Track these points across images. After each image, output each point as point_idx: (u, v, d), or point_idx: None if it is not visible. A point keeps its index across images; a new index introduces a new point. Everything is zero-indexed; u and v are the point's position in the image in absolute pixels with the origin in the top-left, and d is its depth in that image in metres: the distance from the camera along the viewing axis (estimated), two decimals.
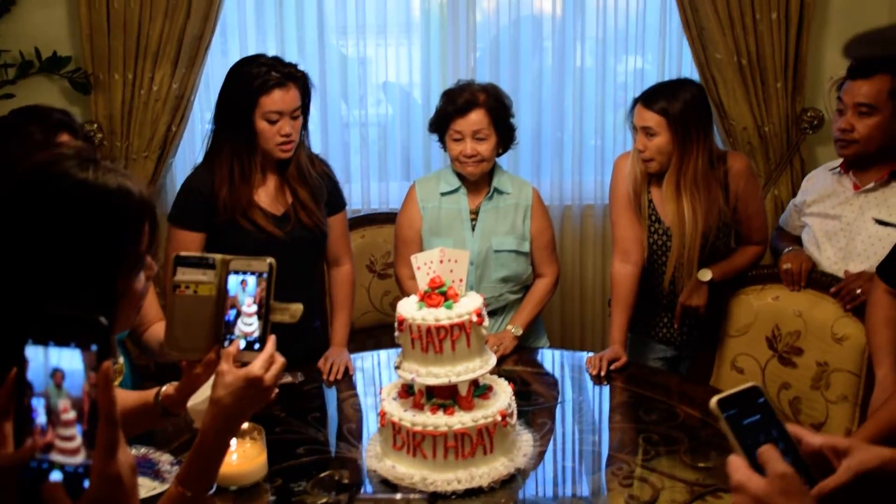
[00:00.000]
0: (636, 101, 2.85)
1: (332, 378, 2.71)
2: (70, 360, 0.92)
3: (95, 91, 3.65)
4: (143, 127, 3.65)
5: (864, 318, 2.46)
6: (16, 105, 3.34)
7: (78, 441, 0.93)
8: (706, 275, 2.84)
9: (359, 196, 3.91)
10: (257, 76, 2.65)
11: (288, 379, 2.65)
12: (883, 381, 2.30)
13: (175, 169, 3.80)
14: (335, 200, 2.92)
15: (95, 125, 3.63)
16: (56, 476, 0.93)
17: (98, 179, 1.21)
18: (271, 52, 3.78)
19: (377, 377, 2.85)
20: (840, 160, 2.84)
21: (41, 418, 0.93)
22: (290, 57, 3.86)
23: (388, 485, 2.04)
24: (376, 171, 3.95)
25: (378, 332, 3.49)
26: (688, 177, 2.77)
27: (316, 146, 3.88)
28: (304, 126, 2.79)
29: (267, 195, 2.76)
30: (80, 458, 0.93)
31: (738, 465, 1.07)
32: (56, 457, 0.93)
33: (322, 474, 2.16)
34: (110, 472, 0.92)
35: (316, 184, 2.81)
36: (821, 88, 3.71)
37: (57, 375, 0.93)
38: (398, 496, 1.07)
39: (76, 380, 0.92)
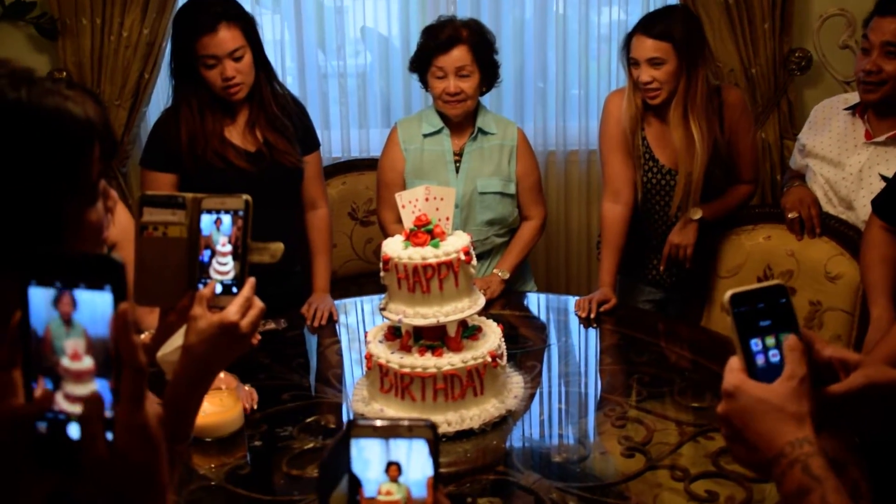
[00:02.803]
0: (632, 34, 2.76)
1: (316, 324, 2.69)
2: (81, 301, 0.83)
3: (63, 37, 3.54)
4: (114, 74, 3.56)
5: (859, 256, 2.43)
6: None
7: (92, 386, 0.84)
8: (697, 213, 2.80)
9: (339, 143, 3.86)
10: (187, 23, 2.62)
11: (271, 325, 2.62)
12: (878, 320, 2.27)
13: (149, 117, 3.70)
14: (308, 140, 2.87)
15: (64, 73, 3.53)
16: (74, 430, 0.85)
17: (32, 100, 1.11)
18: (245, 2, 3.73)
19: (361, 323, 2.81)
20: (855, 98, 2.70)
21: (42, 362, 0.84)
22: (265, 6, 3.80)
23: None
24: (356, 119, 3.89)
25: (361, 279, 3.45)
26: (696, 101, 2.72)
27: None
28: (261, 64, 2.71)
29: (237, 133, 2.72)
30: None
31: (733, 368, 1.04)
32: (70, 407, 0.85)
33: (308, 419, 2.14)
34: (137, 423, 0.85)
35: (284, 125, 2.75)
36: (809, 29, 3.66)
37: (65, 303, 0.83)
38: (396, 423, 1.02)
39: (99, 314, 0.83)
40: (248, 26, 2.65)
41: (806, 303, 2.67)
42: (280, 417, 2.14)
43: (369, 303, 2.91)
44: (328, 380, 2.39)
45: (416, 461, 0.99)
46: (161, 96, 3.70)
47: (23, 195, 1.10)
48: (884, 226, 2.32)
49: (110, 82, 3.56)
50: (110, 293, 0.83)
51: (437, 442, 0.99)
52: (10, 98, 1.10)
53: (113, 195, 1.25)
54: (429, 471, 0.99)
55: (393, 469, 1.00)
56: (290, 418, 2.14)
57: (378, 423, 1.01)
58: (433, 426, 0.99)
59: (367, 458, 1.00)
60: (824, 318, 2.63)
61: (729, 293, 1.04)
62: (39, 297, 0.84)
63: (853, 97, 2.74)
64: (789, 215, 2.70)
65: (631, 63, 2.77)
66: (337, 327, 2.72)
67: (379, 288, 2.21)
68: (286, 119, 2.75)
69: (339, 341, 2.66)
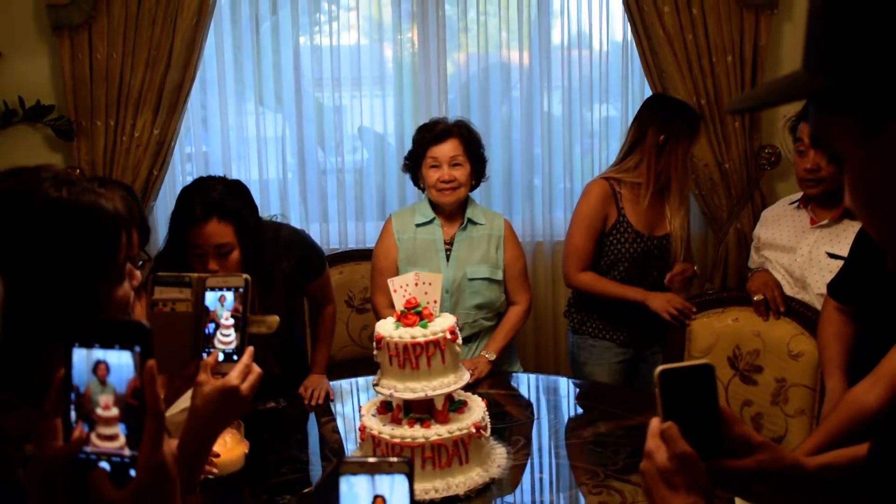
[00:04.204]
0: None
1: (313, 403, 2.85)
2: (118, 357, 1.01)
3: (78, 138, 3.80)
4: (125, 171, 3.79)
5: (816, 334, 2.63)
6: (0, 153, 3.48)
7: (122, 440, 1.01)
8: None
9: (336, 235, 4.08)
10: (183, 206, 2.59)
11: (272, 404, 2.79)
12: (832, 391, 2.46)
13: (157, 212, 3.94)
14: (314, 270, 2.98)
15: (78, 171, 3.76)
16: (103, 465, 1.01)
17: (71, 197, 1.32)
18: (249, 100, 4.01)
19: (355, 402, 2.98)
20: (800, 194, 2.99)
21: (77, 411, 1.02)
22: (267, 106, 4.07)
23: None
24: (353, 212, 4.12)
25: (356, 364, 3.60)
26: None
27: (294, 192, 4.06)
28: (253, 255, 2.62)
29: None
30: (120, 444, 1.01)
31: (654, 432, 1.18)
32: (100, 447, 1.01)
33: (305, 489, 2.30)
34: (157, 461, 1.00)
35: (280, 278, 2.72)
36: (776, 126, 3.92)
37: (100, 373, 1.01)
38: (379, 460, 1.20)
39: (119, 378, 0.99)
40: (241, 224, 2.58)
41: (772, 379, 2.85)
42: (279, 487, 2.28)
43: (364, 381, 3.08)
44: (325, 454, 2.55)
45: (398, 494, 1.16)
46: (168, 190, 3.95)
47: (62, 277, 1.32)
48: (837, 306, 2.52)
49: (121, 179, 3.77)
50: (134, 355, 1.00)
51: (412, 474, 1.17)
52: (53, 197, 1.32)
53: (137, 276, 1.46)
54: (407, 501, 1.16)
55: (379, 501, 1.17)
56: (288, 488, 2.28)
57: (363, 460, 1.19)
58: (409, 462, 1.18)
59: (357, 492, 1.17)
60: (789, 394, 2.81)
61: (659, 369, 1.18)
62: (81, 359, 1.02)
63: (795, 196, 3.04)
64: (755, 298, 2.90)
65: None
66: (332, 406, 2.88)
67: (374, 371, 2.37)
68: (287, 299, 2.76)
69: (334, 419, 2.82)
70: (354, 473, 1.17)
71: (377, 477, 1.17)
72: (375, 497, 1.16)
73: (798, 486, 1.23)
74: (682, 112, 3.19)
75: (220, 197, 2.56)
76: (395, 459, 1.18)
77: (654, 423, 1.18)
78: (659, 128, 3.09)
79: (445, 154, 3.09)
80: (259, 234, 2.67)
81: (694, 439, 1.16)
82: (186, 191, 2.63)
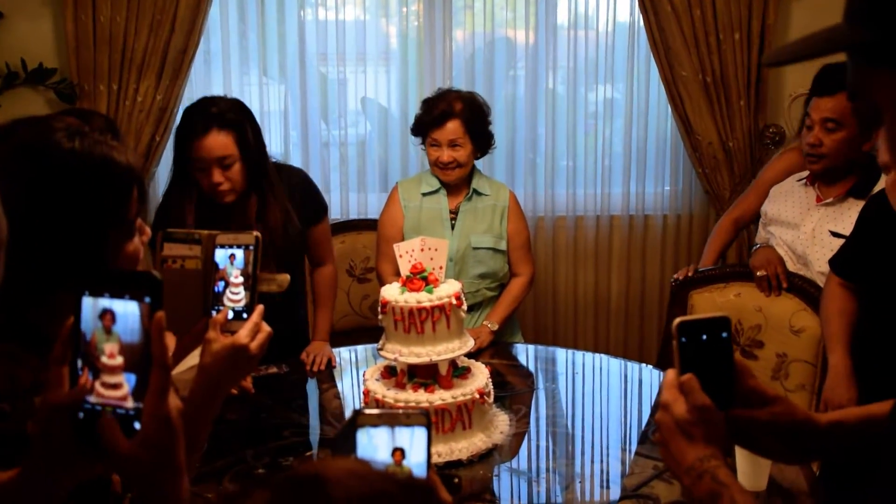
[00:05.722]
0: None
1: (315, 369, 2.85)
2: (121, 311, 1.00)
3: (80, 101, 3.78)
4: (126, 137, 3.76)
5: (819, 310, 2.64)
6: (2, 116, 3.46)
7: (125, 390, 1.00)
8: None
9: (338, 206, 4.07)
10: (184, 122, 2.67)
11: (273, 369, 2.80)
12: (835, 366, 2.47)
13: (158, 178, 3.92)
14: (314, 212, 2.96)
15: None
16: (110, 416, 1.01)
17: (84, 149, 1.30)
18: (253, 72, 3.99)
19: (356, 369, 2.99)
20: (807, 172, 2.98)
21: (84, 360, 1.01)
22: (271, 77, 4.05)
23: None
24: (355, 184, 4.11)
25: (357, 334, 3.61)
26: None
27: (296, 164, 4.04)
28: (256, 172, 2.70)
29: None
30: (125, 395, 1.00)
31: (671, 384, 1.18)
32: (105, 397, 1.00)
33: (307, 452, 2.31)
34: (162, 413, 0.99)
35: (282, 238, 2.74)
36: (782, 105, 3.93)
37: (106, 322, 1.00)
38: (399, 410, 1.20)
39: (125, 328, 1.00)
40: (242, 135, 2.63)
41: (773, 355, 2.87)
42: (282, 450, 2.31)
43: (363, 349, 3.10)
44: (326, 418, 2.57)
45: (417, 446, 1.16)
46: (169, 158, 3.92)
47: (74, 229, 1.32)
48: (840, 282, 2.54)
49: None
50: (143, 305, 1.00)
51: (430, 427, 1.17)
52: (66, 148, 1.31)
53: (148, 231, 1.46)
54: (426, 454, 1.16)
55: (398, 454, 1.17)
56: (290, 450, 2.31)
57: (381, 411, 1.18)
58: (427, 414, 1.18)
59: (376, 444, 1.17)
60: (790, 369, 2.83)
61: (677, 321, 1.19)
62: (88, 308, 1.02)
63: (804, 174, 3.02)
64: (758, 273, 2.91)
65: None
66: (332, 371, 2.88)
67: (374, 340, 2.38)
68: (286, 228, 2.77)
69: (335, 385, 2.83)
70: (373, 425, 1.16)
71: (396, 429, 1.17)
72: (395, 449, 1.16)
73: (808, 440, 1.24)
74: None
75: (219, 110, 2.62)
76: (412, 411, 1.18)
77: (671, 375, 1.19)
78: None
79: (445, 136, 3.08)
80: (262, 151, 2.72)
81: (710, 391, 1.17)
82: (188, 108, 2.70)
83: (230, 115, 2.63)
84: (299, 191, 2.89)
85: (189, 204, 2.69)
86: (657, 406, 1.99)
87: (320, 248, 3.05)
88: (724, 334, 1.20)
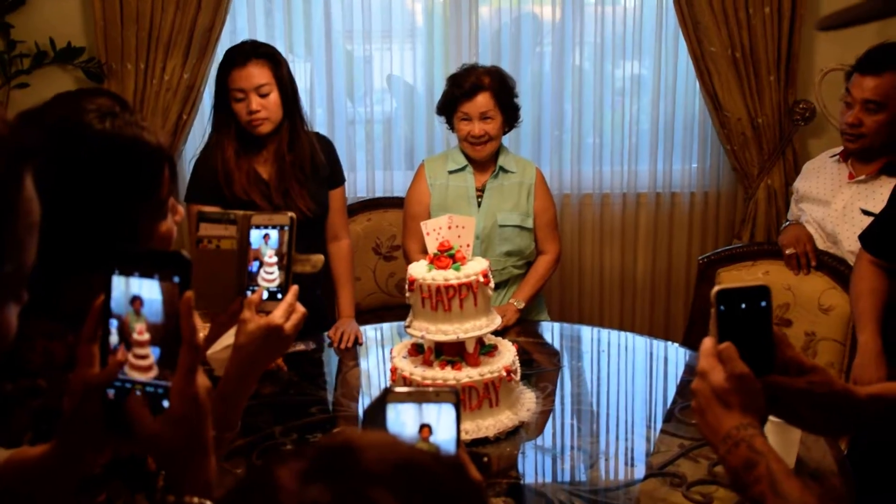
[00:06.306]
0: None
1: (343, 346, 2.88)
2: (150, 290, 1.03)
3: (108, 80, 3.80)
4: (154, 115, 3.79)
5: (849, 288, 2.62)
6: (31, 94, 3.49)
7: (151, 360, 1.03)
8: None
9: (364, 184, 4.07)
10: (225, 59, 2.89)
11: (300, 347, 2.82)
12: (865, 345, 2.46)
13: (186, 156, 3.94)
14: (335, 176, 3.09)
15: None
16: (138, 395, 1.03)
17: (115, 130, 1.32)
18: (279, 49, 3.96)
19: (383, 347, 2.99)
20: (840, 148, 2.96)
21: (114, 338, 1.04)
22: (297, 55, 4.04)
23: None
24: (380, 162, 4.10)
25: (383, 312, 3.63)
26: None
27: None
28: (290, 105, 2.91)
29: (266, 171, 2.93)
30: (154, 374, 1.03)
31: (708, 352, 1.18)
32: (135, 376, 1.03)
33: (335, 429, 2.33)
34: (190, 392, 1.01)
35: (311, 164, 2.95)
36: (812, 81, 3.87)
37: (136, 302, 1.03)
38: (427, 389, 1.21)
39: (155, 307, 1.03)
40: (277, 67, 2.87)
41: (802, 333, 2.85)
42: (309, 427, 2.33)
43: (389, 328, 3.11)
44: (353, 395, 2.59)
45: (445, 423, 1.17)
46: (196, 136, 3.94)
47: (106, 209, 1.33)
48: (872, 260, 2.52)
49: (150, 122, 3.78)
50: (172, 285, 1.02)
51: (459, 406, 1.18)
52: (97, 129, 1.33)
53: (181, 211, 1.47)
54: (455, 431, 1.17)
55: (425, 430, 1.18)
56: (318, 427, 2.33)
57: (412, 389, 1.20)
58: (456, 392, 1.18)
59: (403, 420, 1.18)
60: (818, 348, 2.81)
61: (717, 288, 1.19)
62: (120, 288, 1.04)
63: (836, 150, 2.99)
64: (787, 251, 2.89)
65: None
66: (358, 349, 2.90)
67: (400, 318, 2.38)
68: (313, 159, 2.96)
69: (362, 363, 2.84)
70: (402, 402, 1.18)
71: (424, 406, 1.18)
72: (422, 426, 1.17)
73: (846, 412, 1.23)
74: None
75: (256, 44, 2.91)
76: (442, 389, 1.19)
77: (708, 343, 1.19)
78: None
79: (477, 109, 3.08)
80: (294, 87, 2.95)
81: (748, 360, 1.17)
82: (229, 48, 2.94)
83: (266, 48, 2.90)
84: (325, 150, 3.05)
85: (228, 137, 2.88)
86: (683, 384, 1.98)
87: (337, 216, 3.11)
88: (763, 303, 1.21)
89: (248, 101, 2.82)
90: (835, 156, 2.99)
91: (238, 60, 2.84)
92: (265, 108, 2.83)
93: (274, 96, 2.85)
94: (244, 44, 2.92)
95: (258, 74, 2.83)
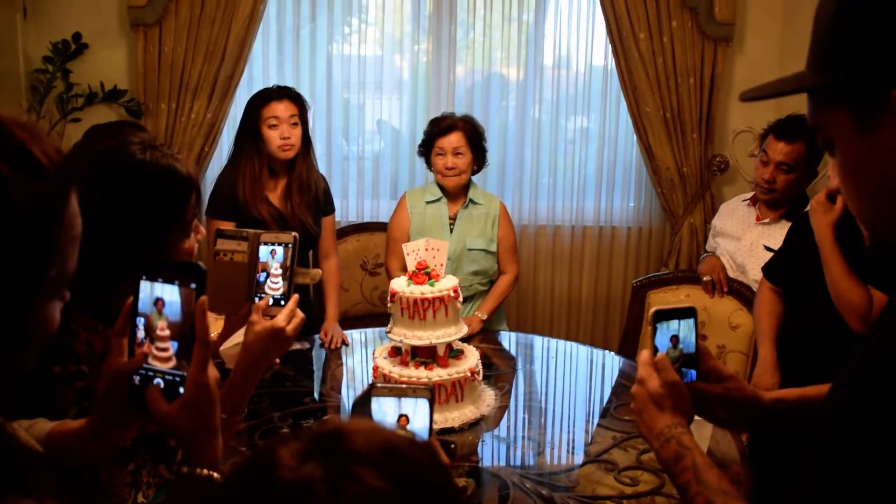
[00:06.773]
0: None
1: (332, 346, 2.87)
2: (171, 293, 1.03)
3: (145, 117, 3.78)
4: (181, 148, 3.76)
5: (752, 310, 2.66)
6: (82, 128, 3.46)
7: (171, 352, 1.04)
8: None
9: (354, 210, 4.06)
10: (261, 95, 2.94)
11: (298, 346, 2.80)
12: (763, 357, 2.49)
13: (206, 182, 3.92)
14: (327, 205, 3.10)
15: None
16: (158, 382, 1.04)
17: (153, 160, 1.34)
18: None
19: (366, 348, 2.99)
20: (751, 193, 2.99)
21: (140, 333, 1.05)
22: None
23: None
24: (369, 192, 4.10)
25: (367, 319, 3.61)
26: None
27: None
28: (306, 139, 2.96)
29: (276, 196, 2.95)
30: (172, 364, 1.03)
31: (646, 362, 1.19)
32: (156, 365, 1.04)
33: (325, 417, 2.32)
34: (202, 381, 1.02)
35: (314, 194, 2.98)
36: (726, 139, 3.94)
37: (159, 303, 1.04)
38: (405, 386, 1.22)
39: (175, 308, 1.03)
40: (302, 107, 2.95)
41: (714, 346, 2.88)
42: (302, 414, 2.32)
43: (372, 332, 3.10)
44: (340, 389, 2.57)
45: (420, 414, 1.18)
46: (214, 166, 3.92)
47: (142, 227, 1.34)
48: (772, 287, 2.55)
49: (178, 152, 3.76)
50: (189, 291, 1.03)
51: (433, 401, 1.19)
52: (139, 159, 1.34)
53: (202, 231, 1.47)
54: (428, 422, 1.18)
55: (403, 420, 1.19)
56: (310, 415, 2.32)
57: (393, 385, 1.21)
58: (431, 389, 1.20)
59: (385, 411, 1.19)
60: (727, 358, 2.84)
61: (653, 309, 1.20)
62: (146, 291, 1.05)
63: (748, 194, 3.03)
64: (704, 279, 2.93)
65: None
66: (343, 350, 2.88)
67: (382, 325, 2.37)
68: (313, 187, 2.98)
69: (349, 362, 2.82)
70: (384, 396, 1.19)
71: (403, 399, 1.19)
72: (401, 416, 1.19)
73: (754, 413, 1.25)
74: None
75: (286, 87, 2.97)
76: (418, 387, 1.20)
77: (646, 355, 1.20)
78: None
79: (450, 144, 3.09)
80: (307, 126, 2.99)
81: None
82: (260, 91, 2.98)
83: (295, 91, 2.97)
84: (324, 182, 3.08)
85: (251, 163, 2.90)
86: (617, 386, 1.98)
87: (328, 240, 3.12)
88: (691, 321, 1.23)
89: (280, 128, 2.87)
90: (746, 200, 3.03)
91: (275, 95, 2.91)
92: (293, 135, 2.89)
93: (298, 130, 2.92)
94: (278, 86, 2.98)
95: (291, 108, 2.90)
